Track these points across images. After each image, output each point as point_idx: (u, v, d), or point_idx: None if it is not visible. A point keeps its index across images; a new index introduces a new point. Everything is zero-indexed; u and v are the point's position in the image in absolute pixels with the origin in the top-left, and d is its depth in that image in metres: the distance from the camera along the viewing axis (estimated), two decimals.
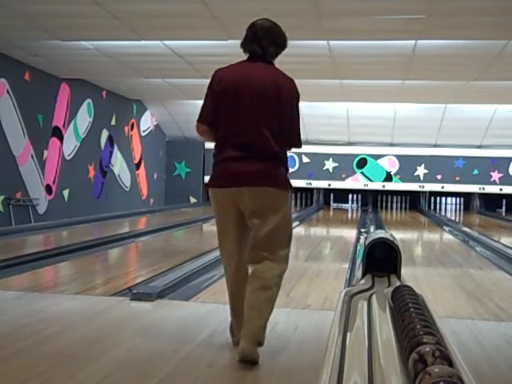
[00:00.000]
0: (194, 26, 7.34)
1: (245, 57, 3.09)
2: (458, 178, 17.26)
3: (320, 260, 7.59)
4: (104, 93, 12.99)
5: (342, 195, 18.32)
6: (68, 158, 11.66)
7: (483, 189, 17.31)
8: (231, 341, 3.12)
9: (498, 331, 3.79)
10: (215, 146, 3.02)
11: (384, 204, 18.33)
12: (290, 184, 3.05)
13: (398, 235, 6.82)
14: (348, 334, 2.75)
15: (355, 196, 18.56)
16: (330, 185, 17.65)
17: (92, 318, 3.80)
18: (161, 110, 15.78)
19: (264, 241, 2.98)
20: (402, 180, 17.45)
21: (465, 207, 18.32)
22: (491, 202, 17.87)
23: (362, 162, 17.52)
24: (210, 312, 3.84)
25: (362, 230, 10.77)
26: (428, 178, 17.38)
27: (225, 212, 3.01)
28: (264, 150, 2.93)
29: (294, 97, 3.05)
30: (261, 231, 2.98)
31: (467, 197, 18.18)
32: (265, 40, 3.01)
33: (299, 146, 3.11)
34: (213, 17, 6.79)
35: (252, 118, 2.94)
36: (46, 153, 10.79)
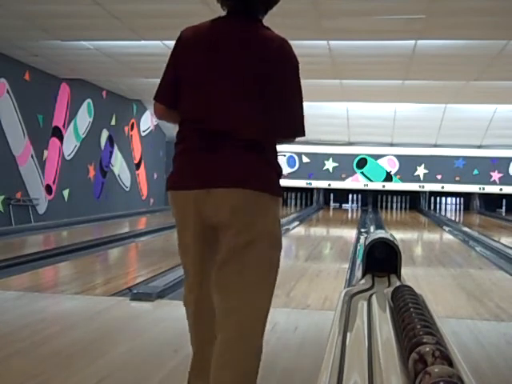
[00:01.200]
0: None
1: None
2: (458, 178, 17.27)
3: (320, 260, 7.59)
4: (104, 93, 12.99)
5: (341, 195, 18.33)
6: (68, 158, 11.66)
7: (483, 189, 17.31)
8: None
9: (498, 331, 3.78)
10: (177, 133, 2.18)
11: (384, 204, 18.33)
12: (279, 189, 2.09)
13: (398, 235, 6.84)
14: (348, 334, 2.75)
15: (355, 196, 18.56)
16: (329, 185, 17.65)
17: (92, 318, 3.80)
18: None
19: (227, 276, 2.02)
20: (402, 180, 17.46)
21: (465, 207, 18.33)
22: (491, 202, 17.87)
23: (362, 162, 17.52)
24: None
25: (362, 230, 10.77)
26: (428, 178, 17.39)
27: (186, 224, 2.10)
28: (242, 137, 2.03)
29: (292, 64, 2.09)
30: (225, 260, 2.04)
31: (467, 197, 18.19)
32: None
33: (302, 134, 2.14)
34: (214, 16, 6.79)
35: (226, 93, 2.05)
36: (45, 153, 10.79)
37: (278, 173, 2.13)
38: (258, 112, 2.05)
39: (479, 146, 17.10)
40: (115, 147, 13.73)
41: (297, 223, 12.05)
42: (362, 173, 17.53)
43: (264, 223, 2.03)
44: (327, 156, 17.47)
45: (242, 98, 2.04)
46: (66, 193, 11.58)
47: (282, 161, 16.79)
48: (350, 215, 16.54)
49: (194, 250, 2.08)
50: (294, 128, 2.12)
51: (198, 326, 2.12)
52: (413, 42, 7.90)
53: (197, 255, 2.08)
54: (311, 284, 5.42)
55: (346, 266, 6.54)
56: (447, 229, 12.07)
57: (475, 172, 17.19)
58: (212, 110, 2.05)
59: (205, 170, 2.03)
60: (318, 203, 18.03)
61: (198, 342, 2.12)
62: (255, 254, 1.99)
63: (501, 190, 17.24)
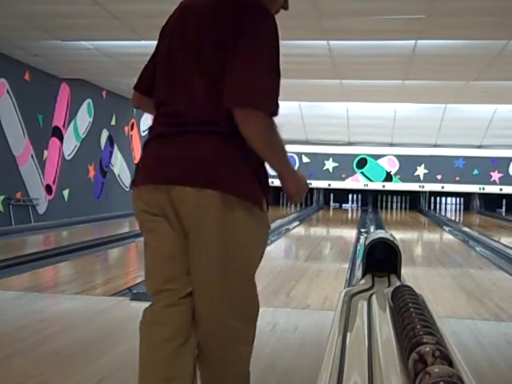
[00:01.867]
0: None
1: None
2: (458, 178, 17.27)
3: (320, 260, 7.59)
4: (104, 93, 12.99)
5: (342, 195, 18.33)
6: (68, 158, 11.66)
7: (483, 189, 17.31)
8: None
9: (498, 331, 3.78)
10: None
11: (384, 204, 18.33)
12: (254, 191, 1.73)
13: (398, 235, 6.84)
14: (348, 334, 2.74)
15: (355, 196, 18.56)
16: (330, 185, 17.65)
17: (92, 318, 3.80)
18: None
19: (198, 296, 1.76)
20: (402, 180, 17.45)
21: (465, 207, 18.33)
22: (491, 202, 17.87)
23: (362, 162, 17.52)
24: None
25: (362, 230, 10.77)
26: (428, 178, 17.39)
27: (152, 229, 1.79)
28: (200, 119, 1.68)
29: (250, 17, 1.68)
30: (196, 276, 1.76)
31: (467, 197, 18.19)
32: None
33: (265, 107, 1.63)
34: None
35: (185, 68, 1.73)
36: (45, 153, 10.79)
37: (255, 170, 1.72)
38: (213, 89, 1.67)
39: (479, 146, 17.10)
40: (115, 147, 13.73)
41: (297, 223, 12.05)
42: (362, 173, 17.53)
43: (227, 243, 1.69)
44: (327, 156, 17.47)
45: (202, 71, 1.69)
46: (66, 193, 11.57)
47: None
48: (349, 215, 16.54)
49: (162, 264, 1.82)
50: (242, 94, 1.61)
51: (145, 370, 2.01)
52: (413, 41, 7.90)
53: (166, 270, 1.80)
54: (311, 284, 5.42)
55: (346, 266, 6.54)
56: (447, 229, 12.07)
57: (475, 172, 17.19)
58: (171, 89, 1.76)
59: (161, 161, 1.72)
60: (318, 203, 18.03)
61: None
62: (220, 265, 1.73)
63: (501, 190, 17.24)
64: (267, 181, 1.83)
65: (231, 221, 1.68)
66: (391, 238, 4.74)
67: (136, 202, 1.84)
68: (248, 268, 1.78)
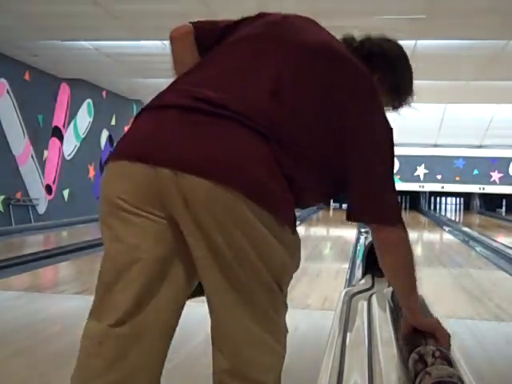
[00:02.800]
0: None
1: None
2: (458, 178, 17.27)
3: (320, 260, 7.59)
4: (104, 93, 12.99)
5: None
6: (68, 157, 11.66)
7: (483, 189, 17.31)
8: None
9: (498, 331, 3.79)
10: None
11: None
12: (293, 213, 1.50)
13: None
14: (348, 334, 2.74)
15: None
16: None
17: None
18: None
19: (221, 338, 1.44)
20: (402, 180, 17.46)
21: (465, 207, 18.33)
22: (491, 202, 17.88)
23: None
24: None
25: (362, 230, 10.76)
26: (428, 178, 17.39)
27: (132, 223, 1.38)
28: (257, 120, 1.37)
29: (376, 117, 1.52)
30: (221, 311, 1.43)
31: (467, 197, 18.19)
32: None
33: (387, 223, 1.57)
34: (213, 17, 6.79)
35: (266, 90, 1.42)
36: (45, 153, 10.79)
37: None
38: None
39: (479, 146, 17.10)
40: None
41: (297, 223, 12.04)
42: None
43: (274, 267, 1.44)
44: None
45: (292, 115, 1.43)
46: (66, 193, 11.57)
47: None
48: None
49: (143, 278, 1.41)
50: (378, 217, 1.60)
51: None
52: (413, 41, 7.91)
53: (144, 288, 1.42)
54: (311, 284, 5.42)
55: (346, 266, 6.54)
56: (447, 229, 12.07)
57: (475, 172, 17.19)
58: (230, 84, 1.45)
59: (183, 139, 1.34)
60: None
61: None
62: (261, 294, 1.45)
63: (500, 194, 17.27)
64: None
65: (278, 245, 1.45)
66: None
67: (115, 182, 1.40)
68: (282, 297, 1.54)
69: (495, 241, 9.41)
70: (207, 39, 1.61)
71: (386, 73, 1.65)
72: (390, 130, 1.53)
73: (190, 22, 1.67)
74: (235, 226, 1.33)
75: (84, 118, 12.23)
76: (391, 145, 1.53)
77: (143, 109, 1.47)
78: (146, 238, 1.37)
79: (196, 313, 4.08)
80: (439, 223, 13.60)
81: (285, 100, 1.42)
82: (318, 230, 12.34)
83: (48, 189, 10.95)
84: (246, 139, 1.35)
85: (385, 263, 1.61)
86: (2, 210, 9.49)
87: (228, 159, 1.32)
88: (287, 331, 1.54)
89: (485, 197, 17.85)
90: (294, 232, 1.53)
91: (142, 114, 1.45)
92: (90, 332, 1.47)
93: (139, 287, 1.36)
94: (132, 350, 1.38)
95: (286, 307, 1.53)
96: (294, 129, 1.41)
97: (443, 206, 18.49)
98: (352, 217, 1.58)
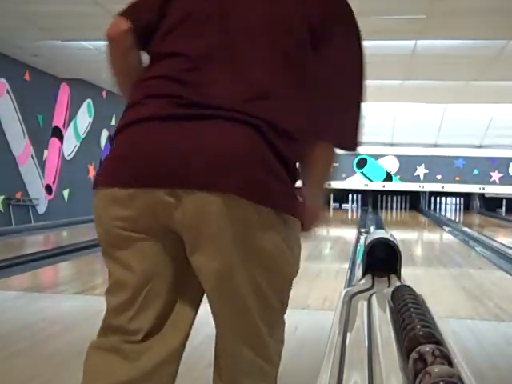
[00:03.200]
0: None
1: None
2: (458, 178, 17.27)
3: (320, 260, 7.59)
4: (104, 93, 12.99)
5: (341, 195, 18.32)
6: (68, 158, 11.66)
7: (483, 189, 17.31)
8: None
9: (498, 331, 3.79)
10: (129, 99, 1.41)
11: (384, 204, 18.33)
12: (297, 207, 1.36)
13: (398, 235, 6.83)
14: (348, 334, 2.75)
15: (355, 196, 18.56)
16: (330, 185, 17.63)
17: (92, 317, 3.79)
18: None
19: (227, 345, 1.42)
20: (402, 180, 17.45)
21: (465, 207, 18.33)
22: (491, 202, 17.87)
23: (362, 162, 17.52)
24: (210, 312, 3.84)
25: (362, 230, 10.77)
26: (428, 178, 17.38)
27: (127, 247, 1.34)
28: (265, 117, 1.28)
29: (351, 31, 1.50)
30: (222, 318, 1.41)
31: (467, 197, 18.18)
32: None
33: (353, 147, 1.44)
34: None
35: (242, 46, 1.35)
36: (46, 153, 10.79)
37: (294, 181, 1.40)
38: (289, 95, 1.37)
39: (479, 146, 17.10)
40: None
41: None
42: (362, 173, 17.53)
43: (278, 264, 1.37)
44: None
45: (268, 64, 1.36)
46: (65, 193, 11.57)
47: None
48: (349, 215, 16.54)
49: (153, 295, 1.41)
50: (339, 135, 1.44)
51: None
52: (413, 42, 7.90)
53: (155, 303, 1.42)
54: (311, 284, 5.41)
55: (346, 266, 6.54)
56: (447, 229, 12.07)
57: (475, 172, 17.18)
58: (210, 64, 1.34)
59: (168, 154, 1.26)
60: None
61: None
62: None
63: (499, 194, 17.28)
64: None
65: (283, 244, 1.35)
66: (391, 238, 4.74)
67: (108, 210, 1.34)
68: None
69: (495, 241, 9.41)
70: (148, 28, 1.44)
71: None
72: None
73: (121, 14, 1.50)
74: (244, 236, 1.28)
75: (84, 117, 12.23)
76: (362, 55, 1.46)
77: (124, 125, 1.35)
78: (152, 260, 1.35)
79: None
80: (439, 223, 13.60)
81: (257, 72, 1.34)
82: (318, 230, 12.33)
83: (48, 189, 10.95)
84: (234, 135, 1.26)
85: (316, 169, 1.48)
86: (1, 210, 9.49)
87: (219, 164, 1.24)
88: (283, 344, 1.55)
89: (485, 197, 17.85)
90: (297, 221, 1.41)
91: (123, 131, 1.34)
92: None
93: (155, 313, 1.37)
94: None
95: (284, 322, 1.54)
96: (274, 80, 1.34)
97: (443, 206, 18.48)
98: (322, 136, 1.41)
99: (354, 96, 1.42)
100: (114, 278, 1.42)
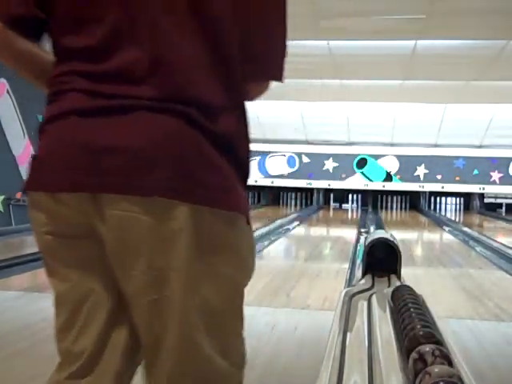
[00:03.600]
0: None
1: None
2: (458, 178, 17.26)
3: (320, 260, 7.58)
4: None
5: (342, 195, 18.32)
6: None
7: (483, 189, 17.31)
8: None
9: (498, 331, 3.78)
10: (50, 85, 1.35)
11: (384, 204, 18.32)
12: (243, 202, 1.18)
13: (398, 235, 6.84)
14: (348, 334, 2.75)
15: (355, 196, 18.55)
16: (329, 185, 17.65)
17: None
18: None
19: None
20: (402, 180, 17.45)
21: (465, 207, 18.32)
22: (491, 202, 17.87)
23: (362, 162, 17.51)
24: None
25: (362, 230, 10.76)
26: (428, 178, 17.38)
27: (61, 256, 1.25)
28: (183, 92, 1.12)
29: None
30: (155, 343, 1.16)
31: (467, 197, 18.18)
32: None
33: (279, 78, 1.25)
34: None
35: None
36: None
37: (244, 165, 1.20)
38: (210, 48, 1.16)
39: (479, 146, 17.10)
40: None
41: (297, 223, 12.05)
42: (362, 173, 17.53)
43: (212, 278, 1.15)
44: (327, 156, 17.46)
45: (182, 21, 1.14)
46: None
47: (282, 161, 16.83)
48: (349, 215, 16.54)
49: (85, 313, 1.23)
50: (266, 69, 1.25)
51: None
52: (413, 42, 7.91)
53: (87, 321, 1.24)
54: (311, 284, 5.41)
55: (346, 266, 6.54)
56: (447, 229, 12.06)
57: (475, 172, 17.18)
58: (115, 32, 1.15)
59: (92, 152, 1.09)
60: (318, 203, 18.02)
61: None
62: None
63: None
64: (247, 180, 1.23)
65: (219, 247, 1.14)
66: (391, 238, 4.74)
67: (36, 215, 1.20)
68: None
69: (495, 241, 9.41)
70: (27, 18, 1.24)
71: None
72: None
73: None
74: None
75: None
76: None
77: (42, 124, 1.26)
78: (88, 269, 1.19)
79: None
80: (439, 223, 13.60)
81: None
82: (318, 230, 12.34)
83: None
84: (156, 126, 1.08)
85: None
86: (1, 210, 9.49)
87: (138, 162, 1.07)
88: (243, 365, 1.25)
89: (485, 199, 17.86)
90: (248, 221, 1.20)
91: (43, 129, 1.24)
92: None
93: (99, 326, 1.20)
94: None
95: (241, 341, 1.24)
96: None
97: (443, 206, 18.48)
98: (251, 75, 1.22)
99: (281, 30, 1.23)
100: (54, 293, 1.26)
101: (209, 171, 1.10)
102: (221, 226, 1.12)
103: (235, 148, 1.16)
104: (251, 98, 1.26)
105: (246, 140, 1.21)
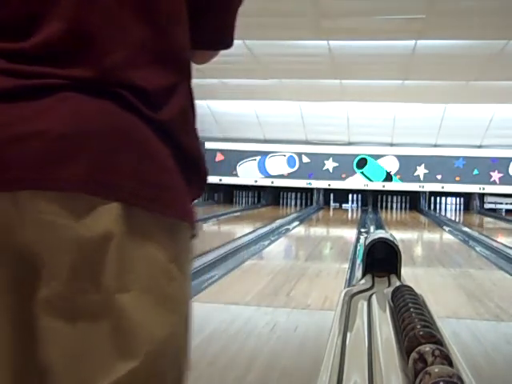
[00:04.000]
0: None
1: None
2: (458, 178, 17.26)
3: (320, 260, 7.59)
4: None
5: (341, 195, 18.32)
6: None
7: (483, 189, 17.31)
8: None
9: (498, 331, 3.79)
10: None
11: (384, 204, 18.33)
12: (184, 199, 0.92)
13: (398, 235, 6.84)
14: (348, 334, 2.75)
15: (355, 196, 18.55)
16: (329, 185, 17.65)
17: None
18: None
19: None
20: (402, 180, 17.45)
21: (465, 207, 18.32)
22: (491, 208, 17.87)
23: (362, 162, 17.51)
24: (210, 312, 3.85)
25: (362, 230, 10.77)
26: (428, 178, 17.37)
27: None
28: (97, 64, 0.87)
29: None
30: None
31: (467, 197, 18.18)
32: None
33: (231, 45, 1.12)
34: None
35: None
36: None
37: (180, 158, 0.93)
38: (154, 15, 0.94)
39: (479, 146, 17.10)
40: None
41: (297, 223, 12.05)
42: (362, 173, 17.53)
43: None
44: (327, 156, 17.46)
45: None
46: None
47: (282, 161, 16.83)
48: (349, 215, 16.54)
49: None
50: (221, 37, 1.12)
51: None
52: (413, 42, 7.91)
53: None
54: (311, 284, 5.42)
55: (346, 266, 6.54)
56: (447, 229, 12.07)
57: (475, 172, 17.18)
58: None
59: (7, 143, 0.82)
60: (318, 203, 18.02)
61: None
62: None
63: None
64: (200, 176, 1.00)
65: (150, 260, 0.86)
66: (391, 238, 4.75)
67: None
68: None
69: (495, 241, 9.41)
70: None
71: None
72: None
73: None
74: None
75: None
76: None
77: None
78: None
79: (197, 313, 4.08)
80: (439, 223, 13.60)
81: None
82: (318, 230, 12.34)
83: None
84: (84, 109, 0.86)
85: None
86: None
87: (58, 151, 0.82)
88: None
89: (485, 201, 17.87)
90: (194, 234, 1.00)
91: None
92: None
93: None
94: None
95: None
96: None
97: (443, 206, 18.48)
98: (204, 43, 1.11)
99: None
100: None
101: (146, 163, 0.86)
102: (163, 237, 0.88)
103: (180, 139, 0.94)
104: (199, 64, 1.13)
105: (194, 131, 1.00)
